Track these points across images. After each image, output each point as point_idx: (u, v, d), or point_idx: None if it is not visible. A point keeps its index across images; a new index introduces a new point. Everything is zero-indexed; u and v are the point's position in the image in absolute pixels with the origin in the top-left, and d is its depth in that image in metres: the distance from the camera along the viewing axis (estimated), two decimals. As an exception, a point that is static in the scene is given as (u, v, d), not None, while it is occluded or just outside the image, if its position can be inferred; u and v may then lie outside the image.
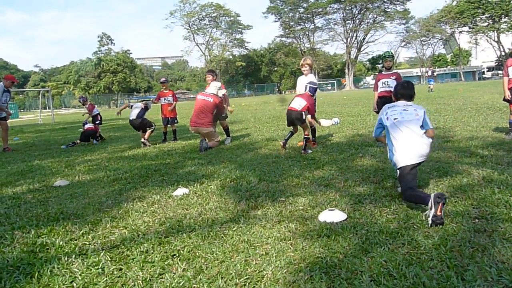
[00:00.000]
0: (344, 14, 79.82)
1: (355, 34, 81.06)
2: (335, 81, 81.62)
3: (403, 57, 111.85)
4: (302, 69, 7.21)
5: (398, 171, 3.61)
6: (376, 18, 78.78)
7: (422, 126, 3.64)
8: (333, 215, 3.18)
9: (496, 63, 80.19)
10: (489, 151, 5.39)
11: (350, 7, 77.88)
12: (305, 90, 6.69)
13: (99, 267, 2.59)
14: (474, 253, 2.44)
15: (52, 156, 8.18)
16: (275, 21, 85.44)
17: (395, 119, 3.70)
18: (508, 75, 6.49)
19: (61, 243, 3.05)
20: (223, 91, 8.20)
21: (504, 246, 2.48)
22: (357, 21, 80.00)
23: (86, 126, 10.36)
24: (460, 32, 76.20)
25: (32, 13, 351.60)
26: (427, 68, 42.31)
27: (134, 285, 2.34)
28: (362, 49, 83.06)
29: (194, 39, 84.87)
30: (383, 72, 7.05)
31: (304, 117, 6.55)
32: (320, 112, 12.59)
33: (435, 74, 30.71)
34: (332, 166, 5.21)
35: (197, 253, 2.71)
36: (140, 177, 5.38)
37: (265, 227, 3.13)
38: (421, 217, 3.08)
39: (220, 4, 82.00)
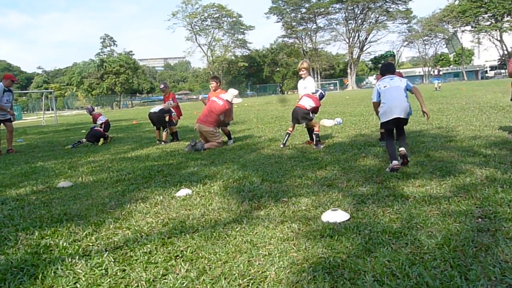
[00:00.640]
0: (346, 14, 79.79)
1: (357, 34, 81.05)
2: (337, 81, 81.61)
3: (405, 57, 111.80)
4: (299, 73, 7.35)
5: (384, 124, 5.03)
6: (378, 17, 78.74)
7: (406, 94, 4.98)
8: (336, 215, 3.18)
9: (499, 62, 79.96)
10: (492, 151, 5.37)
11: (352, 7, 77.84)
12: (316, 94, 7.12)
13: (103, 268, 2.59)
14: (477, 252, 2.43)
15: (56, 158, 8.20)
16: (277, 22, 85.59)
17: (384, 86, 5.05)
18: None
19: (64, 244, 3.06)
20: (239, 100, 8.28)
21: (508, 246, 2.48)
22: (359, 21, 79.98)
23: (95, 128, 10.44)
24: (463, 31, 76.09)
25: (35, 15, 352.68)
26: (434, 68, 42.51)
27: (138, 286, 2.35)
28: (364, 49, 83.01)
29: (196, 40, 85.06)
30: None
31: (311, 116, 6.92)
32: (322, 112, 12.59)
33: (441, 73, 31.13)
34: (334, 166, 5.20)
35: (200, 254, 2.72)
36: (143, 178, 5.39)
37: (268, 227, 3.13)
38: (424, 216, 3.08)
39: (222, 5, 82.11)
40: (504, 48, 72.73)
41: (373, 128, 8.87)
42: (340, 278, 2.25)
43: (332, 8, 79.05)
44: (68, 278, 2.48)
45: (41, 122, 27.57)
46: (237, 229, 3.13)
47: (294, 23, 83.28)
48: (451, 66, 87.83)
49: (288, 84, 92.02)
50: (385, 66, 5.43)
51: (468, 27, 74.21)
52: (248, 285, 2.27)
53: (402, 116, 4.84)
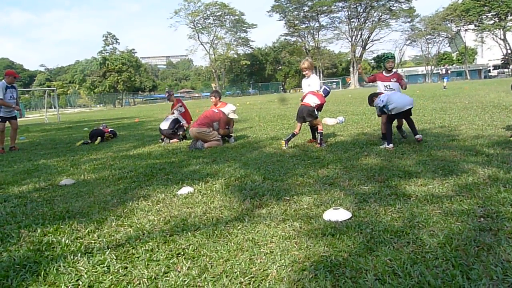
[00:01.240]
0: (349, 12, 79.68)
1: (360, 33, 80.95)
2: (340, 80, 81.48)
3: (408, 56, 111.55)
4: (303, 72, 7.33)
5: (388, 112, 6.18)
6: (381, 16, 78.61)
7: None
8: (337, 214, 3.18)
9: (502, 61, 79.70)
10: (494, 150, 5.36)
11: (355, 6, 77.72)
12: (320, 90, 7.09)
13: (105, 265, 2.60)
14: (479, 252, 2.43)
15: (58, 155, 8.22)
16: (280, 20, 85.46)
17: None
18: None
19: (67, 241, 3.07)
20: (235, 117, 8.54)
21: (510, 245, 2.47)
22: (362, 19, 79.87)
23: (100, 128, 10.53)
24: (466, 30, 75.82)
25: (38, 13, 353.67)
26: (441, 66, 42.90)
27: (139, 283, 2.35)
28: (367, 47, 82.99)
29: (198, 38, 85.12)
30: (384, 73, 6.87)
31: (316, 113, 6.89)
32: (325, 111, 12.57)
33: (449, 72, 31.63)
34: (336, 165, 5.20)
35: (201, 252, 2.72)
36: (145, 176, 5.40)
37: (269, 226, 3.13)
38: (426, 215, 3.07)
39: (224, 3, 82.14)
40: (508, 47, 72.50)
41: (375, 127, 8.85)
42: (341, 277, 2.25)
43: (335, 7, 78.95)
44: (70, 275, 2.49)
45: (44, 120, 27.62)
46: (238, 227, 3.14)
47: (296, 21, 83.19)
48: (454, 65, 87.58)
49: (291, 83, 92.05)
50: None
51: (472, 26, 73.97)
52: (249, 283, 2.27)
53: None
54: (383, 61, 6.88)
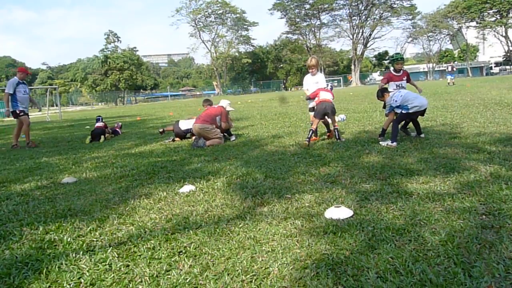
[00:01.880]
0: (350, 10, 79.51)
1: (361, 30, 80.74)
2: (341, 78, 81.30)
3: (409, 53, 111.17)
4: (310, 70, 7.34)
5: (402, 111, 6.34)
6: (382, 14, 78.41)
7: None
8: (339, 212, 3.18)
9: (504, 58, 79.49)
10: (496, 147, 5.35)
11: (356, 3, 77.58)
12: (327, 87, 7.40)
13: (107, 263, 2.61)
14: (481, 249, 2.43)
15: (60, 153, 8.23)
16: (281, 18, 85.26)
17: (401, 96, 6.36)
18: None
19: (68, 239, 3.07)
20: (231, 109, 8.72)
21: (512, 243, 2.47)
22: (363, 17, 79.67)
23: (97, 124, 10.51)
24: (468, 27, 75.65)
25: (40, 11, 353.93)
26: (448, 64, 43.56)
27: (141, 281, 2.36)
28: (368, 45, 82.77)
29: (200, 36, 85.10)
30: (394, 73, 7.10)
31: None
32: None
33: (455, 69, 32.82)
34: (338, 163, 5.20)
35: (203, 250, 2.72)
36: (146, 174, 5.40)
37: (271, 224, 3.13)
38: (428, 213, 3.07)
39: (226, 1, 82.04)
40: (509, 44, 72.29)
41: (377, 124, 8.84)
42: (343, 275, 2.25)
43: (336, 4, 78.80)
44: (72, 273, 2.50)
45: (46, 118, 27.65)
46: (240, 225, 3.14)
47: (298, 19, 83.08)
48: (456, 62, 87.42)
49: (292, 81, 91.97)
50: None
51: (473, 23, 73.79)
52: (251, 281, 2.27)
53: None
54: (392, 62, 7.02)
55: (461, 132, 6.87)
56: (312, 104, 7.28)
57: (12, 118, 9.99)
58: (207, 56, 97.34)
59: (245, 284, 2.25)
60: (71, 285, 2.38)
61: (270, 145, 7.27)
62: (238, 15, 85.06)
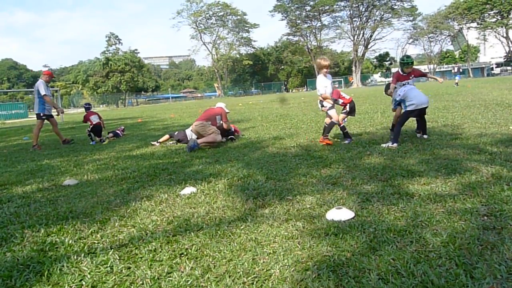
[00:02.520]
0: (351, 11, 79.60)
1: (362, 32, 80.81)
2: (342, 79, 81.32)
3: (410, 54, 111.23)
4: (324, 70, 7.19)
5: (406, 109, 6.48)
6: (383, 15, 78.49)
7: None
8: (340, 214, 3.18)
9: (505, 59, 79.41)
10: (498, 148, 5.34)
11: (357, 5, 77.63)
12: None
13: (108, 265, 2.61)
14: (483, 250, 2.42)
15: (61, 156, 8.24)
16: (282, 20, 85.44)
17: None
18: None
19: (70, 242, 3.07)
20: (227, 110, 8.76)
21: (514, 244, 2.46)
22: (364, 18, 79.74)
23: (94, 121, 10.60)
24: (468, 28, 75.65)
25: (41, 13, 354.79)
26: (454, 65, 44.37)
27: (143, 283, 2.36)
28: (369, 46, 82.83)
29: (201, 38, 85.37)
30: (401, 73, 7.06)
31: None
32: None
33: (461, 70, 34.33)
34: (339, 164, 5.19)
35: (204, 252, 2.72)
36: (148, 176, 5.40)
37: (272, 225, 3.13)
38: (429, 214, 3.07)
39: (227, 3, 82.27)
40: (510, 45, 72.23)
41: (378, 126, 8.84)
42: (344, 276, 2.25)
43: (337, 6, 78.91)
44: (73, 276, 2.50)
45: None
46: (241, 227, 3.14)
47: (298, 21, 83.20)
48: (457, 63, 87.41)
49: (293, 82, 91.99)
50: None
51: (474, 24, 73.81)
52: (252, 283, 2.27)
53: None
54: (402, 66, 7.01)
55: (463, 133, 6.86)
56: (329, 103, 7.09)
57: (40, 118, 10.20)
58: (208, 58, 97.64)
59: (247, 286, 2.25)
60: (73, 287, 2.38)
61: (271, 146, 7.27)
62: (239, 17, 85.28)
